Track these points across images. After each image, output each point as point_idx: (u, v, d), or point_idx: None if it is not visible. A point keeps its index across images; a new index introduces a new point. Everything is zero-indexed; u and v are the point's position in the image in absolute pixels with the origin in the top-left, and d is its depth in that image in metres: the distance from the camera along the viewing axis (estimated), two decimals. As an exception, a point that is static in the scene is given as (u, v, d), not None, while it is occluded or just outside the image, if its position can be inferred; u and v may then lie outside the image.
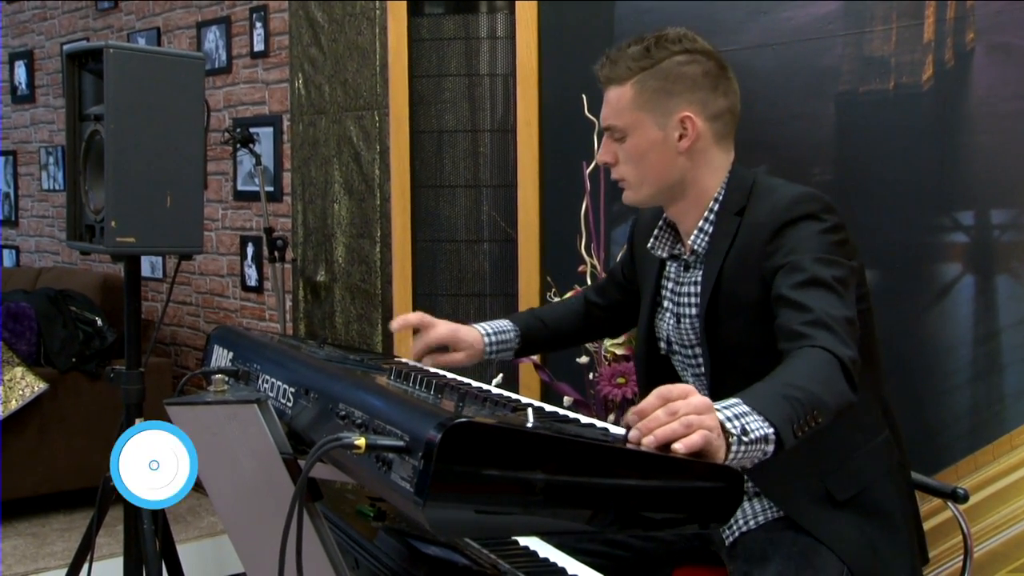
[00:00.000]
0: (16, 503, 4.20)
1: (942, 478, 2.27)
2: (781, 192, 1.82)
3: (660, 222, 2.00)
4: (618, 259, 2.34)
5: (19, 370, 4.16)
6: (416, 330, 2.13)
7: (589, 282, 2.83)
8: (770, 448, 1.38)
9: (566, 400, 2.77)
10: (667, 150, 1.87)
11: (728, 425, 1.32)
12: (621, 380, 2.62)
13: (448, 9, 3.31)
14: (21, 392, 4.12)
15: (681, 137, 1.86)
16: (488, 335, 2.14)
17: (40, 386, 4.17)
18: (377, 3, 3.73)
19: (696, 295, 1.91)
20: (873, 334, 1.87)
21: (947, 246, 2.35)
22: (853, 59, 2.45)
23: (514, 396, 1.62)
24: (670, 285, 1.99)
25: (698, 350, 1.92)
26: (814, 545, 1.79)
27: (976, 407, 2.30)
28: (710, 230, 1.89)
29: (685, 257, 1.95)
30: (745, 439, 1.33)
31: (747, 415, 1.36)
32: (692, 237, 1.90)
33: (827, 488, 1.82)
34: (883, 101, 2.41)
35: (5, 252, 6.65)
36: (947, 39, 2.31)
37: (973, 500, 2.09)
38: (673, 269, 2.00)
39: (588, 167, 2.84)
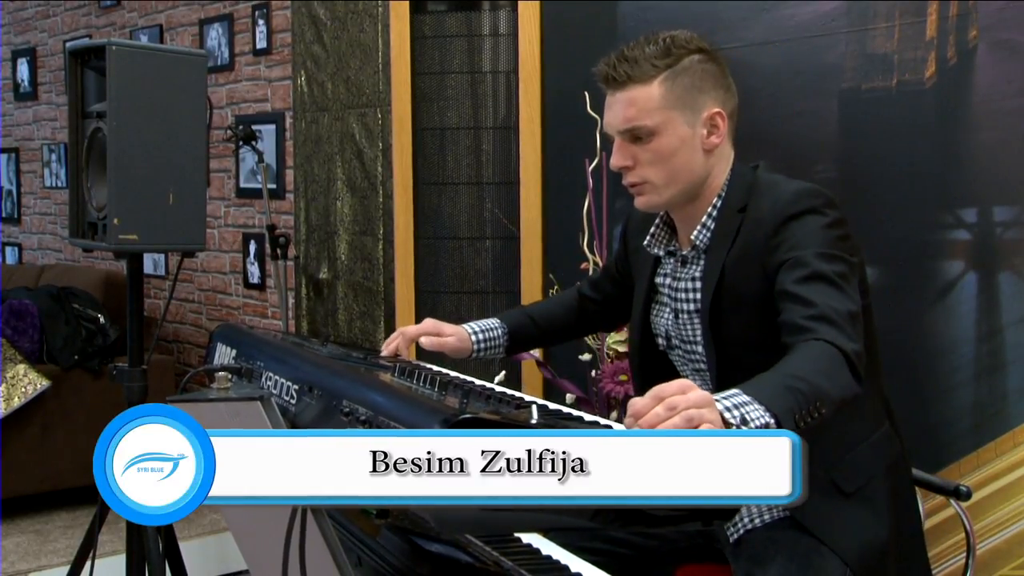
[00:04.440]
0: (18, 500, 4.20)
1: (945, 475, 2.27)
2: (783, 187, 1.82)
3: (657, 219, 1.98)
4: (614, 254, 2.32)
5: (21, 367, 4.16)
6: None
7: (591, 279, 2.83)
8: None
9: (568, 397, 2.77)
10: (694, 148, 1.85)
11: (727, 416, 1.31)
12: (623, 377, 2.63)
13: (451, 6, 3.31)
14: (23, 389, 4.13)
15: (710, 135, 1.85)
16: (475, 332, 2.13)
17: (42, 384, 4.17)
18: (380, 0, 3.73)
19: (695, 290, 1.90)
20: (872, 329, 1.87)
21: (949, 243, 2.34)
22: (856, 56, 2.45)
23: (517, 394, 1.62)
24: (667, 281, 1.98)
25: (699, 346, 1.91)
26: (817, 546, 1.79)
27: (979, 404, 2.30)
28: (712, 226, 1.88)
29: (683, 252, 1.94)
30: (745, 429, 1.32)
31: (747, 404, 1.35)
32: (694, 232, 1.89)
33: (833, 479, 1.82)
34: (886, 98, 2.40)
35: (8, 249, 6.66)
36: (950, 36, 2.31)
37: (976, 497, 2.09)
38: (670, 265, 1.98)
39: (591, 164, 2.84)
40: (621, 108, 1.84)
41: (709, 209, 1.88)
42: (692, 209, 1.90)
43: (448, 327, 2.12)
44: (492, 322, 2.18)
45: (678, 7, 2.76)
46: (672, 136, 1.83)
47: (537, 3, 3.13)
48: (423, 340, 2.08)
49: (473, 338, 2.13)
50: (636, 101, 1.82)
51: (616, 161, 1.87)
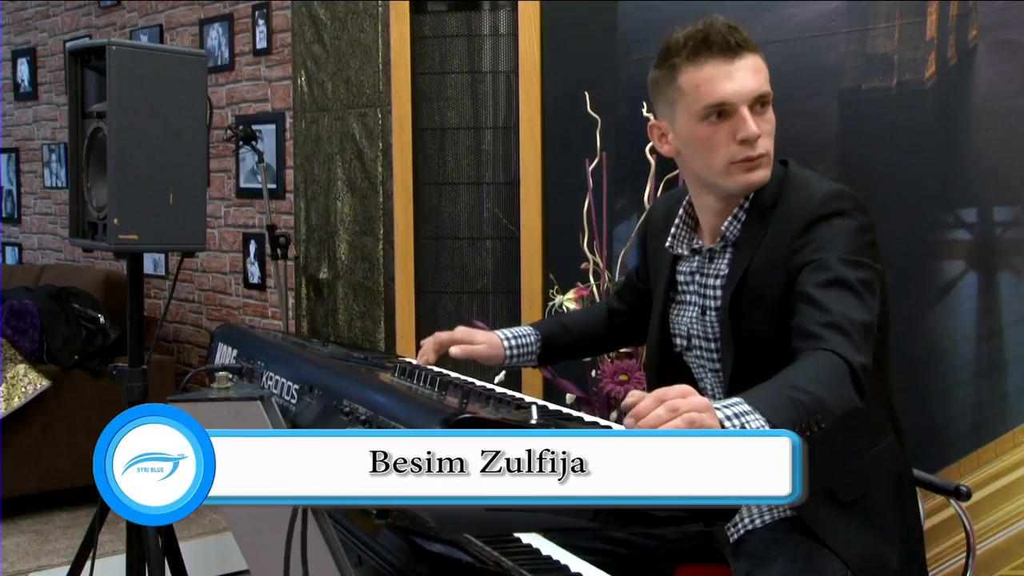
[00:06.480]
0: (19, 500, 4.20)
1: (945, 475, 2.27)
2: (815, 187, 1.78)
3: (678, 220, 1.94)
4: (631, 264, 2.29)
5: (22, 367, 4.16)
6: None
7: (591, 279, 2.83)
8: None
9: (568, 397, 2.77)
10: None
11: (727, 424, 1.31)
12: (623, 377, 2.62)
13: (451, 6, 3.31)
14: (24, 389, 4.13)
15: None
16: (507, 339, 2.08)
17: (43, 384, 4.17)
18: (380, 0, 3.72)
19: (723, 287, 1.86)
20: (887, 339, 1.84)
21: (950, 243, 2.34)
22: (856, 56, 2.45)
23: (517, 394, 1.62)
24: (696, 277, 1.93)
25: (718, 343, 1.88)
26: (818, 548, 1.78)
27: (979, 404, 2.30)
28: (743, 218, 1.84)
29: (711, 246, 1.89)
30: None
31: (747, 414, 1.35)
32: (725, 223, 1.84)
33: (832, 489, 1.81)
34: (886, 98, 2.41)
35: (8, 249, 6.66)
36: (950, 36, 2.31)
37: (976, 497, 2.09)
38: (696, 261, 1.93)
39: (591, 164, 2.84)
40: (748, 75, 1.76)
41: (742, 201, 1.84)
42: (731, 198, 1.85)
43: (480, 334, 2.07)
44: (525, 329, 2.13)
45: (678, 7, 2.76)
46: (771, 109, 1.81)
47: (537, 3, 3.13)
48: (453, 350, 2.01)
49: (505, 344, 2.07)
50: (760, 68, 1.78)
51: (755, 129, 1.75)
